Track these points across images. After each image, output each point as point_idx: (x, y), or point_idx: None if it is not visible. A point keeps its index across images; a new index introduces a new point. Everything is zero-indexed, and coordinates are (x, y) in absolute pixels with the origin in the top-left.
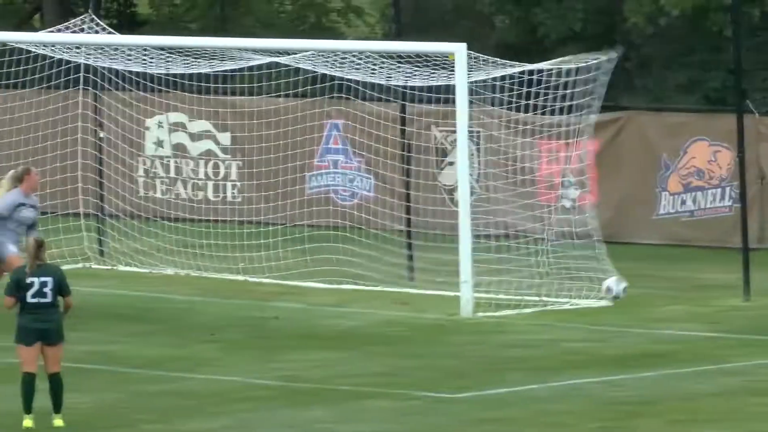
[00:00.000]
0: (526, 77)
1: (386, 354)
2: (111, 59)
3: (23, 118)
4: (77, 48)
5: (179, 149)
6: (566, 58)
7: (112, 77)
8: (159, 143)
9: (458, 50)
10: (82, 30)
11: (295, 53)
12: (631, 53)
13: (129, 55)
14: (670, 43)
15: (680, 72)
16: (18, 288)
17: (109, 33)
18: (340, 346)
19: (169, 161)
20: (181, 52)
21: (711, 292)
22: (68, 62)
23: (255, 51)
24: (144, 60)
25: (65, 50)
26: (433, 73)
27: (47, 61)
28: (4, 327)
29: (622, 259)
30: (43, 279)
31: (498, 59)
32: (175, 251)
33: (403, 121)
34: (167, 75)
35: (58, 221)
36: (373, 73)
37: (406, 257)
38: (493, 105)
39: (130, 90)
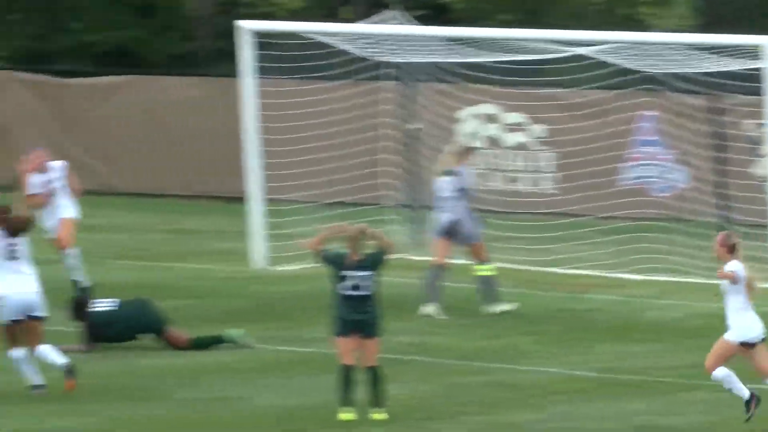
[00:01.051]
0: None
1: (703, 347)
2: (420, 52)
3: (331, 111)
4: (384, 42)
5: (492, 141)
6: None
7: (425, 70)
8: (472, 135)
9: (766, 42)
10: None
11: (602, 45)
12: None
13: (439, 47)
14: None
15: None
16: (332, 270)
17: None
18: (658, 338)
19: (482, 153)
20: (493, 44)
21: None
22: (375, 56)
23: (563, 43)
24: (455, 52)
25: (372, 44)
26: (744, 64)
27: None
28: (325, 318)
29: None
30: (361, 273)
31: None
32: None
33: (715, 113)
34: (478, 67)
35: (366, 213)
36: (683, 65)
37: None
38: None
39: (442, 82)
